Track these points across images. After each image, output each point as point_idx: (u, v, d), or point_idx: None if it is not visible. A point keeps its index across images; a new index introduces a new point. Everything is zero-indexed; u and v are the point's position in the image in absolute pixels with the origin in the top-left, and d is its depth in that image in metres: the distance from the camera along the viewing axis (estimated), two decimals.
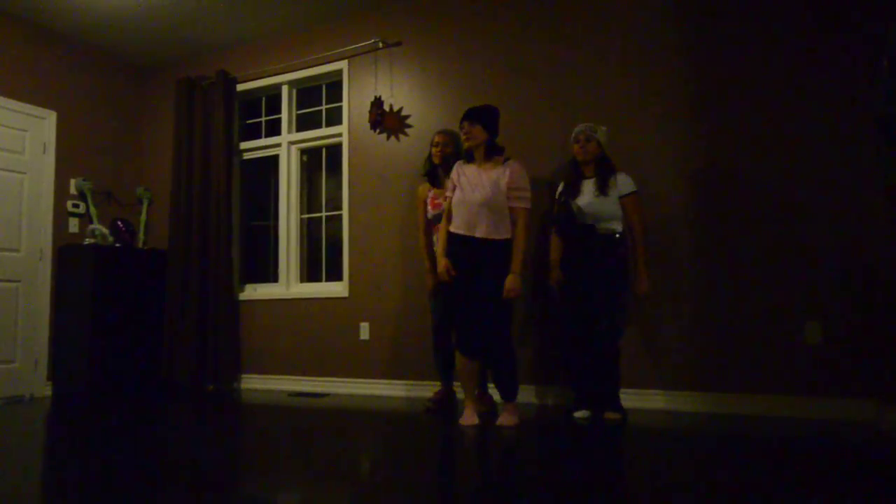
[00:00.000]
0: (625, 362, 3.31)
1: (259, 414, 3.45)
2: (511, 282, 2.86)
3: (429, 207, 3.45)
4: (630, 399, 3.29)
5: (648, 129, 3.46)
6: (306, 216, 4.77)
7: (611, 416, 3.03)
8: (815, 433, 2.63)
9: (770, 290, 3.13)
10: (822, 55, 3.10)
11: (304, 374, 4.40)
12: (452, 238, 3.00)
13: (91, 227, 4.55)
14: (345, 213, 4.36)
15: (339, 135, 4.49)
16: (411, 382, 3.94)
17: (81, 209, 4.69)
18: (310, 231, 4.78)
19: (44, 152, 4.50)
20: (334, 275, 4.54)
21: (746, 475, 1.98)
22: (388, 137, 4.23)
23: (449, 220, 3.05)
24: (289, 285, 4.62)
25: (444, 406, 3.44)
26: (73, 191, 4.66)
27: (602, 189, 3.07)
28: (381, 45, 4.27)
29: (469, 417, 2.96)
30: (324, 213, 4.71)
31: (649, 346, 3.36)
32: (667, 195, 3.38)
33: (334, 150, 4.65)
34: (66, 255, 4.48)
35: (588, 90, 3.63)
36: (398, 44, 4.24)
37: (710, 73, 3.34)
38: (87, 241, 4.51)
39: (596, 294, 3.03)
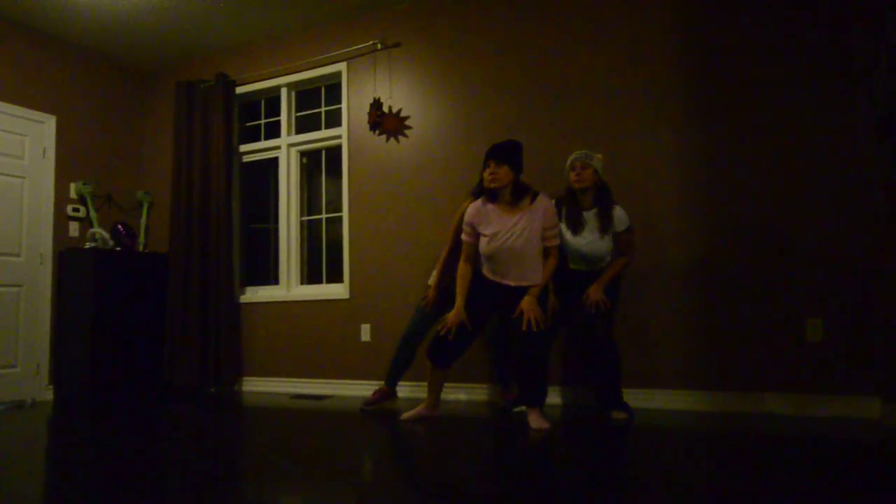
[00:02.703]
0: (626, 362, 3.32)
1: (260, 416, 3.45)
2: (527, 304, 2.82)
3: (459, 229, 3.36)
4: (633, 398, 3.28)
5: (649, 127, 3.46)
6: (306, 218, 4.77)
7: (618, 414, 3.03)
8: (818, 431, 2.63)
9: (771, 288, 3.12)
10: (821, 54, 3.10)
11: (305, 376, 4.40)
12: (484, 283, 2.92)
13: (91, 230, 4.56)
14: (345, 214, 4.36)
15: (339, 137, 4.50)
16: (412, 384, 3.93)
17: (82, 213, 4.69)
18: (310, 233, 4.78)
19: (43, 156, 4.51)
20: (335, 277, 4.54)
21: (750, 473, 1.98)
22: (388, 139, 4.23)
23: (468, 261, 2.94)
24: (289, 287, 4.62)
25: (383, 406, 3.56)
26: (73, 195, 4.67)
27: (604, 228, 2.98)
28: (379, 46, 4.28)
29: (415, 412, 3.10)
30: (324, 215, 4.71)
31: (651, 345, 3.35)
32: (667, 194, 3.38)
33: (334, 152, 4.65)
34: (67, 259, 4.48)
35: (589, 91, 3.63)
36: (397, 45, 4.25)
37: (710, 74, 3.34)
38: (88, 244, 4.52)
39: (586, 304, 3.04)
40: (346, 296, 4.29)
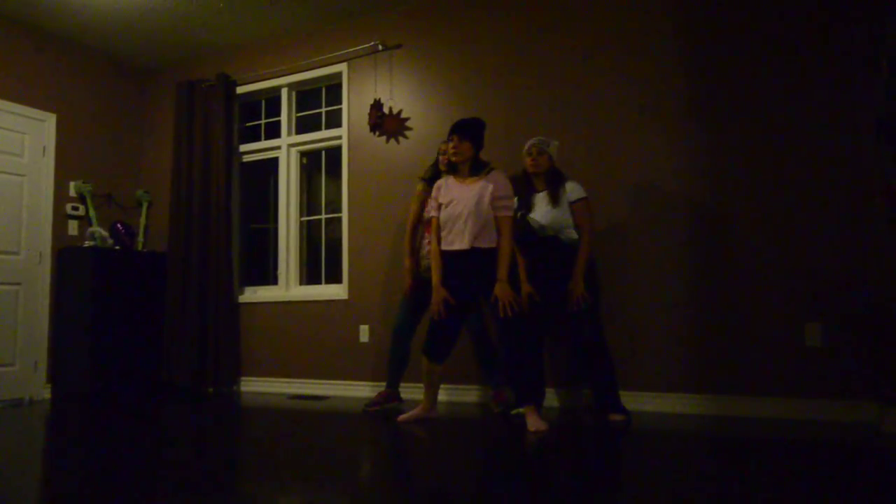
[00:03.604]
0: (624, 365, 3.32)
1: (259, 416, 3.45)
2: (499, 290, 2.87)
3: (428, 208, 3.42)
4: (631, 401, 3.28)
5: (647, 131, 3.46)
6: (306, 218, 4.76)
7: (615, 417, 3.03)
8: (816, 435, 2.63)
9: (770, 292, 3.13)
10: (821, 55, 3.10)
11: (303, 376, 4.40)
12: (446, 257, 3.01)
13: (91, 229, 4.55)
14: (344, 215, 4.36)
15: (339, 137, 4.50)
16: (410, 385, 3.93)
17: (81, 212, 4.69)
18: (309, 233, 4.78)
19: (43, 155, 4.50)
20: (334, 277, 4.54)
21: (748, 477, 1.98)
22: (388, 140, 4.23)
23: (439, 240, 3.04)
24: (288, 288, 4.62)
25: (386, 407, 3.53)
26: (72, 193, 4.66)
27: (555, 200, 3.08)
28: (380, 47, 4.27)
29: (412, 414, 3.11)
30: (323, 216, 4.71)
31: (650, 349, 3.35)
32: (665, 195, 3.38)
33: (334, 153, 4.65)
34: (66, 257, 4.47)
35: (588, 93, 3.63)
36: (398, 46, 4.25)
37: (710, 75, 3.34)
38: (87, 243, 4.51)
39: (569, 301, 3.03)
40: (345, 296, 4.28)
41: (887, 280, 2.86)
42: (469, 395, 3.82)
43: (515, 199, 3.09)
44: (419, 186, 3.53)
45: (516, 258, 3.22)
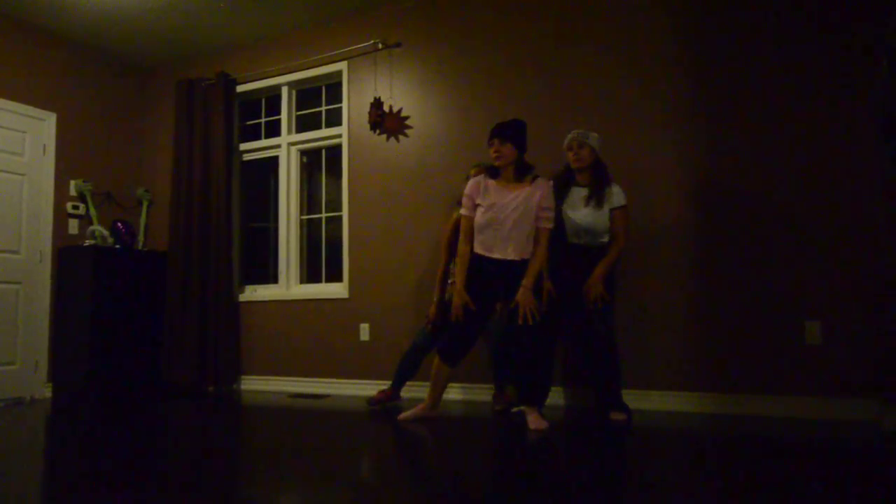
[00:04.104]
0: (624, 362, 3.32)
1: (259, 415, 3.45)
2: (521, 296, 2.81)
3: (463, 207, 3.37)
4: (631, 399, 3.28)
5: (649, 129, 3.46)
6: (306, 217, 4.76)
7: (616, 415, 3.03)
8: (816, 434, 2.63)
9: (770, 290, 3.12)
10: (822, 55, 3.10)
11: (304, 375, 4.40)
12: (478, 261, 2.92)
13: (91, 228, 4.55)
14: (344, 214, 4.36)
15: (339, 136, 4.49)
16: (411, 383, 3.92)
17: (81, 210, 4.69)
18: (310, 232, 4.78)
19: (43, 154, 4.50)
20: (334, 276, 4.54)
21: (749, 475, 1.98)
22: (388, 138, 4.23)
23: (470, 240, 2.94)
24: (289, 286, 4.62)
25: (386, 405, 3.57)
26: (72, 192, 4.66)
27: (599, 202, 2.98)
28: (380, 46, 4.27)
29: (414, 412, 3.09)
30: (324, 214, 4.71)
31: (650, 347, 3.35)
32: (667, 195, 3.38)
33: (334, 152, 4.65)
34: (67, 256, 4.47)
35: (589, 91, 3.62)
36: (398, 45, 4.24)
37: (712, 74, 3.33)
38: (87, 242, 4.51)
39: (586, 300, 2.99)
40: (346, 295, 4.28)
41: (887, 278, 2.86)
42: (469, 392, 3.82)
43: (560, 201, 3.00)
44: (454, 214, 3.37)
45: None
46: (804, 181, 3.10)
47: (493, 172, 2.95)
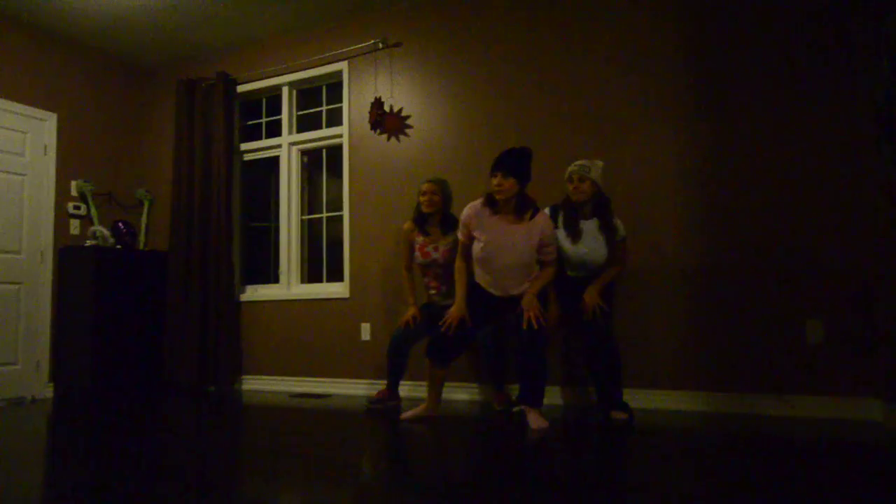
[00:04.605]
0: (626, 362, 3.31)
1: (260, 415, 3.45)
2: (527, 301, 2.83)
3: (417, 254, 3.48)
4: (633, 399, 3.28)
5: (649, 128, 3.45)
6: (307, 217, 4.77)
7: (617, 414, 3.03)
8: (818, 433, 2.62)
9: (771, 289, 3.12)
10: (823, 54, 3.10)
11: (304, 374, 4.40)
12: (475, 288, 2.96)
13: (92, 228, 4.56)
14: (345, 213, 4.36)
15: (340, 136, 4.49)
16: (412, 383, 3.93)
17: (82, 211, 4.69)
18: (310, 232, 4.78)
19: (44, 154, 4.51)
20: (335, 276, 4.54)
21: (750, 475, 1.98)
22: (389, 138, 4.23)
23: (467, 258, 2.97)
24: (289, 286, 4.62)
25: (387, 405, 3.57)
26: (73, 192, 4.67)
27: (608, 230, 3.02)
28: (381, 45, 4.27)
29: (415, 412, 3.08)
30: (324, 214, 4.71)
31: (651, 346, 3.35)
32: (667, 194, 3.38)
33: (335, 151, 4.65)
34: (68, 256, 4.48)
35: (589, 90, 3.62)
36: (398, 44, 4.24)
37: (711, 74, 3.33)
38: (88, 242, 4.52)
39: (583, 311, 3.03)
40: (347, 295, 4.29)
41: (888, 276, 2.85)
42: (470, 392, 3.82)
43: (559, 231, 3.03)
44: (406, 226, 3.55)
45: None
46: (805, 180, 3.09)
47: (491, 202, 2.85)
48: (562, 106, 3.68)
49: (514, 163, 2.75)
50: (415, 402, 3.57)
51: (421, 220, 3.48)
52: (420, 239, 3.47)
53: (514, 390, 3.51)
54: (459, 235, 2.98)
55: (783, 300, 3.09)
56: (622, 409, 3.04)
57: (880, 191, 2.86)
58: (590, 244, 3.04)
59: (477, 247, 2.88)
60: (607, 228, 3.03)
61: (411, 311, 3.46)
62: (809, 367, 3.01)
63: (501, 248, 2.82)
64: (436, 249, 3.42)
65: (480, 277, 2.97)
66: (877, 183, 2.89)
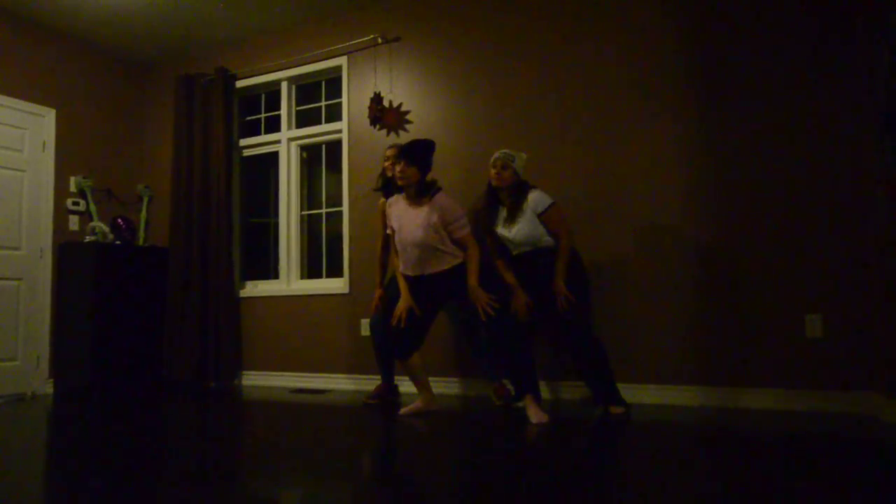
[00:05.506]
0: (624, 356, 3.32)
1: (260, 410, 3.45)
2: (472, 296, 2.92)
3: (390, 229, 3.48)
4: (631, 393, 3.28)
5: (646, 123, 3.45)
6: (306, 212, 4.76)
7: (615, 409, 3.03)
8: (818, 427, 2.63)
9: (771, 284, 3.12)
10: (823, 50, 3.09)
11: (305, 370, 4.40)
12: (409, 278, 3.09)
13: (91, 224, 4.55)
14: (345, 209, 4.36)
15: (339, 131, 4.49)
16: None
17: (82, 207, 4.69)
18: (310, 227, 4.78)
19: (43, 150, 4.50)
20: (335, 271, 4.54)
21: (750, 469, 1.98)
22: (388, 133, 4.22)
23: (397, 253, 3.13)
24: (289, 282, 4.62)
25: (385, 400, 3.58)
26: (73, 188, 4.66)
27: (512, 217, 3.08)
28: (380, 40, 4.26)
29: (413, 407, 3.14)
30: (324, 210, 4.71)
31: (650, 340, 3.35)
32: (667, 189, 3.37)
33: (334, 147, 4.64)
34: (67, 252, 4.48)
35: (589, 85, 3.61)
36: (397, 39, 4.23)
37: (710, 70, 3.32)
38: (88, 238, 4.52)
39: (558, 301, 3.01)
40: (346, 290, 4.28)
41: (887, 271, 2.85)
42: (470, 388, 3.82)
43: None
44: (380, 202, 3.57)
45: (499, 269, 3.20)
46: (806, 173, 3.09)
47: (397, 188, 3.14)
48: (561, 99, 3.67)
49: (418, 153, 2.98)
50: (415, 396, 3.57)
51: (387, 188, 3.50)
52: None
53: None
54: (387, 229, 3.19)
55: (783, 294, 3.09)
56: (620, 404, 3.04)
57: (881, 185, 2.86)
58: (514, 226, 3.08)
59: (394, 237, 3.10)
60: (516, 209, 3.07)
61: (378, 293, 3.51)
62: (809, 362, 3.02)
63: (408, 229, 3.00)
64: (388, 234, 3.42)
65: (403, 266, 3.10)
66: (878, 177, 2.89)
